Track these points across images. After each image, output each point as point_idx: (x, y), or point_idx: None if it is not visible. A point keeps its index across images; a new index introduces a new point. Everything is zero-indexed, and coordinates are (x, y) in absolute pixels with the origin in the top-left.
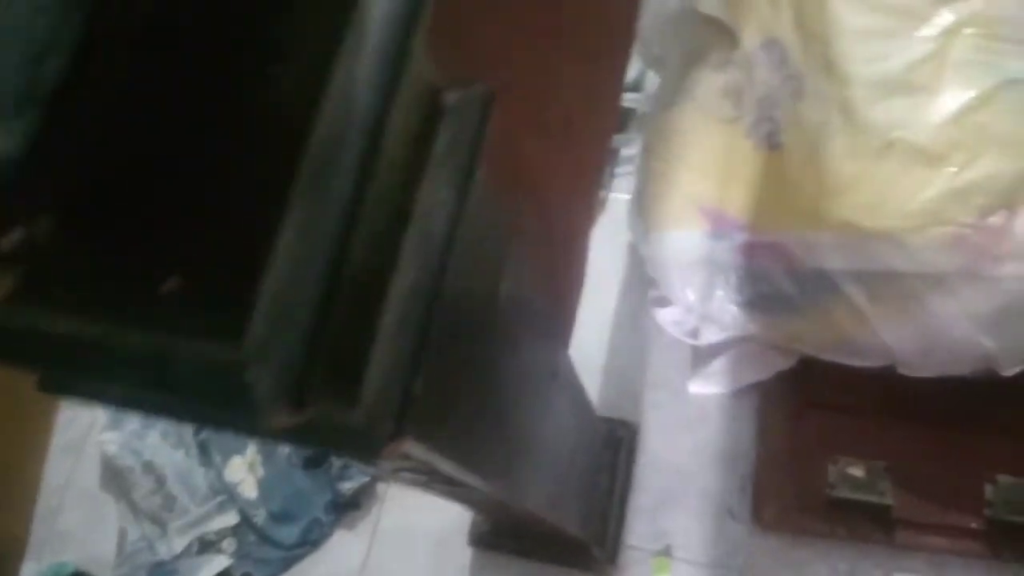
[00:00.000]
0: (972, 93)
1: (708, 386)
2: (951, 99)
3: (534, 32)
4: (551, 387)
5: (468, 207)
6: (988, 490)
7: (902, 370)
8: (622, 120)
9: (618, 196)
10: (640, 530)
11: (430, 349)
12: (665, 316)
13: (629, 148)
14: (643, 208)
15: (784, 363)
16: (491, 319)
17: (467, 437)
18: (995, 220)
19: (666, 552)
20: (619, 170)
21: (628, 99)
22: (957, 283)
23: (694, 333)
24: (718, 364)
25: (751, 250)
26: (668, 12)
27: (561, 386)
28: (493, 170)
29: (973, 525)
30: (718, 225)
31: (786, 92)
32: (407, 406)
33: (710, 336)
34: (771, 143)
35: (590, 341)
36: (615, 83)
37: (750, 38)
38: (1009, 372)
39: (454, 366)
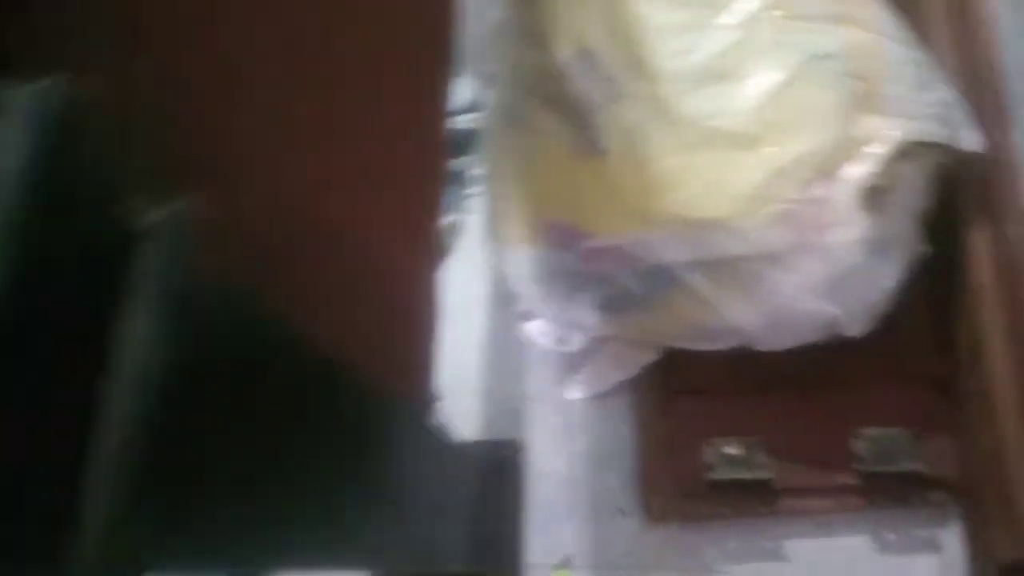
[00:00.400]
0: (780, 73)
1: (583, 390)
2: (761, 82)
3: (307, 93)
4: (396, 445)
5: (197, 317)
6: (856, 445)
7: (756, 347)
8: (464, 142)
9: (472, 217)
10: (538, 546)
11: (168, 475)
12: (532, 328)
13: (475, 169)
14: (493, 227)
15: (648, 357)
16: (282, 404)
17: (261, 532)
18: (817, 192)
19: (566, 563)
20: (469, 191)
21: (467, 120)
22: (792, 257)
23: (562, 341)
24: (589, 368)
25: (594, 255)
26: (488, 30)
27: (411, 440)
28: (259, 247)
29: (848, 481)
30: (561, 236)
31: (603, 97)
32: (138, 545)
33: (577, 342)
34: (596, 149)
35: (463, 365)
36: (431, 113)
37: (563, 48)
38: (855, 333)
39: (218, 474)
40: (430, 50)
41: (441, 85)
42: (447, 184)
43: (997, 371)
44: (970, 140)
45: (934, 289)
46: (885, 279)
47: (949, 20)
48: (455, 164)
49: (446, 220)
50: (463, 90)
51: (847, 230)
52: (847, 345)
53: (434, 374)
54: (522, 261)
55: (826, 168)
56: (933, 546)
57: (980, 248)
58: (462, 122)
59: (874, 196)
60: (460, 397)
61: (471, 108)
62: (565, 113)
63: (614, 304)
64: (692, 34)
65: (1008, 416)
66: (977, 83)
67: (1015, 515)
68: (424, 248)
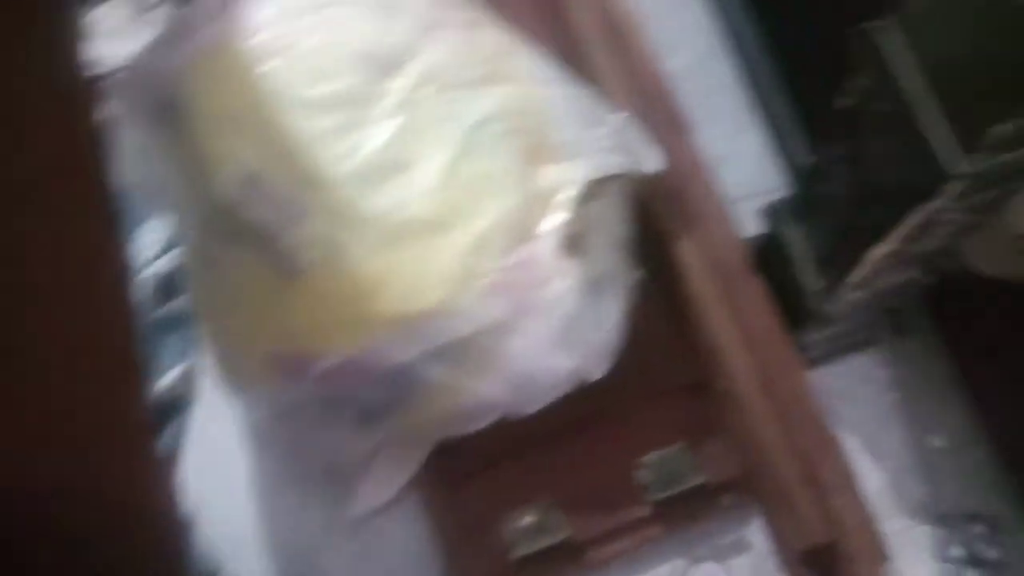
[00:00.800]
0: (447, 150)
1: (367, 506)
2: (431, 164)
3: None
4: None
5: None
6: (639, 476)
7: (513, 416)
8: (172, 284)
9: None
10: None
11: None
12: (298, 459)
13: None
14: (222, 371)
15: (422, 454)
16: None
17: None
18: (519, 254)
19: None
20: (194, 333)
21: (167, 261)
22: (515, 323)
23: (332, 466)
24: (366, 483)
25: (328, 376)
26: (149, 176)
27: None
28: None
29: (642, 513)
30: (288, 366)
31: (284, 218)
32: None
33: (348, 462)
34: (295, 270)
35: (238, 518)
36: (105, 291)
37: (226, 179)
38: (598, 375)
39: None
40: (86, 215)
41: (107, 252)
42: (164, 335)
43: (736, 367)
44: (651, 159)
45: (667, 302)
46: (609, 316)
47: (605, 42)
48: (171, 309)
49: (177, 370)
50: (153, 233)
51: (558, 282)
52: (606, 380)
53: (194, 557)
54: (259, 400)
55: (520, 229)
56: (742, 547)
57: (690, 254)
58: (163, 264)
59: (575, 241)
60: (244, 553)
61: (170, 246)
62: (252, 243)
63: (369, 416)
64: (353, 133)
65: (756, 410)
66: (646, 98)
67: (792, 505)
68: (137, 434)
